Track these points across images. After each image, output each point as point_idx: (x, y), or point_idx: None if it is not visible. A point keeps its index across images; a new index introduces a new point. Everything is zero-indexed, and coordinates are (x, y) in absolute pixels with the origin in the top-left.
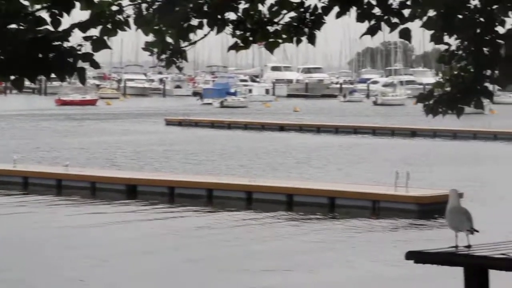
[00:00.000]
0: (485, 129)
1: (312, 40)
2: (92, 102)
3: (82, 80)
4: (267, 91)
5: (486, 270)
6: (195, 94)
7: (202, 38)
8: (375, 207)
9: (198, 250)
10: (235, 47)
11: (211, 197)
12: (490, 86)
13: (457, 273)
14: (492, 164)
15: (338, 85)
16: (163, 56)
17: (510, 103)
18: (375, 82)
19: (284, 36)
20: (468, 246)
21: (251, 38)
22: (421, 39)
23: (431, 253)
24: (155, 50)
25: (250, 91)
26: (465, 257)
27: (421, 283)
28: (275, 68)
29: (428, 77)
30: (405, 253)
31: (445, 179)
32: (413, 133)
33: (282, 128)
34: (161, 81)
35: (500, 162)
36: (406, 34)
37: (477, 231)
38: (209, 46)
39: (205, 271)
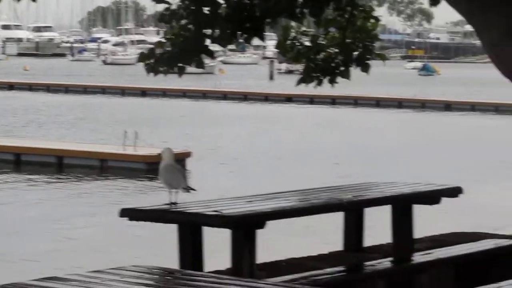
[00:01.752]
0: (214, 89)
1: None
2: None
3: None
4: None
5: (200, 226)
6: None
7: None
8: (103, 166)
9: None
10: None
11: None
12: (213, 46)
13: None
14: (221, 124)
15: (68, 44)
16: None
17: (239, 63)
18: (105, 41)
19: None
20: (175, 203)
21: None
22: None
23: (144, 210)
24: None
25: None
26: (178, 214)
27: (137, 242)
28: (5, 27)
29: (159, 37)
30: (119, 211)
31: (174, 138)
32: (143, 93)
33: (11, 87)
34: None
35: (229, 122)
36: None
37: (193, 189)
38: None
39: None
